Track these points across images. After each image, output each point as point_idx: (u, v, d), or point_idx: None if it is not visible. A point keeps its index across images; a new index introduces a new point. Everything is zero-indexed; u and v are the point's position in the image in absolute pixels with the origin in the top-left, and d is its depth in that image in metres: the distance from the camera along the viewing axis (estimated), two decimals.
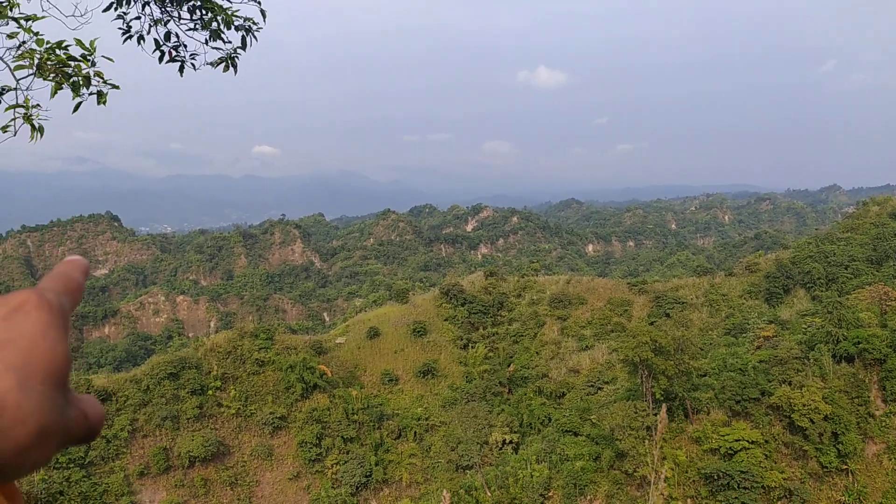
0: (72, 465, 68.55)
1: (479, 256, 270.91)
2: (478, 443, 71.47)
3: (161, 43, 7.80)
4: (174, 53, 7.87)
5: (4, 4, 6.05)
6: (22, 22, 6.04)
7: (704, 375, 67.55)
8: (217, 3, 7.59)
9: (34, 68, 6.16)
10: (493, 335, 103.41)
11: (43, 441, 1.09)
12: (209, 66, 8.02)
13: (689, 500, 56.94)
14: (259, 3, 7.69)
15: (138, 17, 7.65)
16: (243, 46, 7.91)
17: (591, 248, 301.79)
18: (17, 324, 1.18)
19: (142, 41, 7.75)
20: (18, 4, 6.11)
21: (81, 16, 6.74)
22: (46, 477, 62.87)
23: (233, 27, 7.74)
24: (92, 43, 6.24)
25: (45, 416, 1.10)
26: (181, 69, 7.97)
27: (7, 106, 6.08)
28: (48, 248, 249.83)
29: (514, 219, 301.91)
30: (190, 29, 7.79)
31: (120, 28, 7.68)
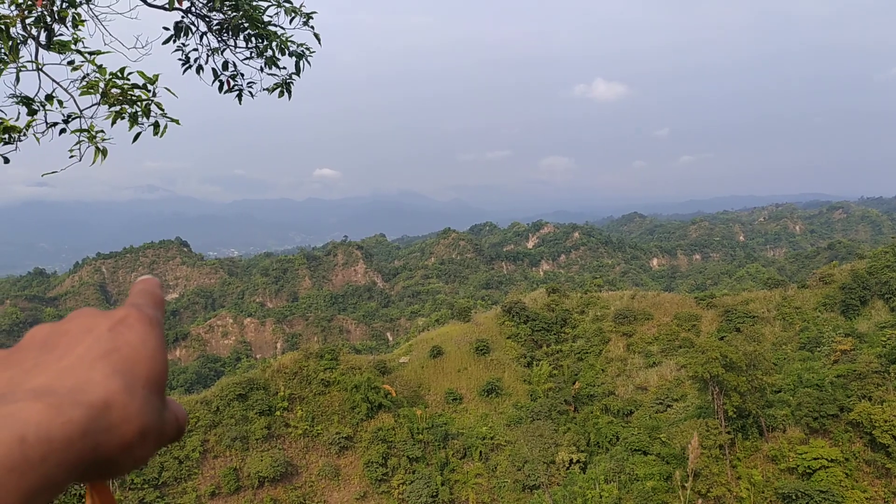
0: (146, 486, 70.29)
1: (541, 273, 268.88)
2: (544, 462, 70.50)
3: (219, 73, 7.94)
4: (232, 83, 8.01)
5: (68, 39, 6.23)
6: (86, 55, 6.21)
7: (779, 391, 65.31)
8: (272, 31, 7.69)
9: (98, 95, 6.33)
10: (557, 352, 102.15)
11: (144, 440, 1.18)
12: (265, 93, 8.13)
13: None
14: (312, 27, 7.77)
15: (196, 49, 7.81)
16: (297, 72, 8.00)
17: (655, 262, 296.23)
18: (121, 334, 1.29)
19: (201, 71, 7.91)
20: (83, 39, 6.28)
21: (143, 47, 6.91)
22: (122, 498, 64.61)
23: (287, 53, 7.84)
24: (155, 76, 6.39)
25: (147, 418, 1.19)
26: (239, 97, 8.11)
27: (72, 130, 6.26)
28: (122, 275, 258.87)
29: (576, 234, 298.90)
30: (246, 58, 7.92)
31: (179, 59, 7.86)
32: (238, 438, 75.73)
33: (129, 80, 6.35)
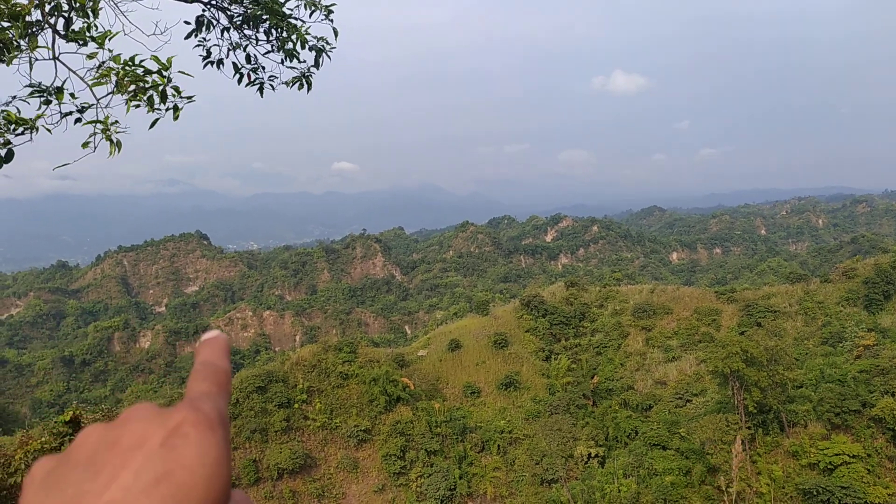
0: None
1: (560, 267, 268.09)
2: (562, 456, 70.34)
3: (240, 66, 7.93)
4: (253, 76, 8.00)
5: (84, 27, 6.22)
6: (99, 40, 6.19)
7: (800, 387, 64.66)
8: (292, 24, 7.67)
9: (112, 85, 6.31)
10: (576, 346, 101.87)
11: None
12: (285, 87, 8.12)
13: None
14: (332, 21, 7.74)
15: (217, 45, 7.81)
16: (317, 65, 7.97)
17: (675, 256, 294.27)
18: (175, 451, 1.14)
19: (221, 65, 7.90)
20: (97, 26, 6.26)
21: (161, 34, 6.88)
22: None
23: (307, 47, 7.82)
24: (169, 59, 6.36)
25: None
26: (261, 90, 8.10)
27: (86, 121, 6.24)
28: (143, 267, 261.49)
29: (595, 228, 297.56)
30: (267, 52, 7.92)
31: (200, 55, 7.85)
32: (257, 430, 76.27)
33: (142, 66, 6.32)
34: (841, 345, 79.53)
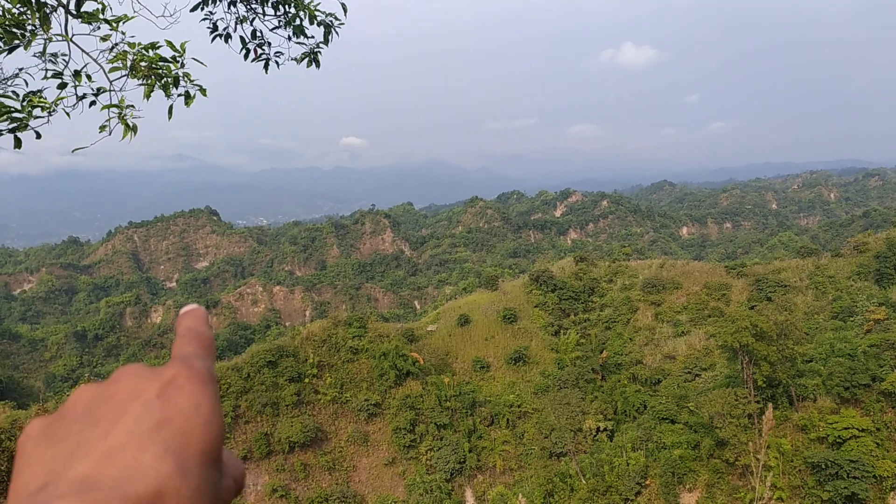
0: None
1: (569, 242, 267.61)
2: (571, 430, 70.74)
3: (247, 41, 7.89)
4: (259, 51, 7.96)
5: (97, 8, 6.20)
6: (112, 23, 6.19)
7: (810, 361, 64.60)
8: None
9: (127, 69, 6.32)
10: (585, 321, 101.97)
11: None
12: (293, 63, 8.07)
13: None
14: None
15: (223, 18, 7.77)
16: (325, 41, 7.92)
17: (685, 230, 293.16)
18: (171, 400, 1.18)
19: (229, 39, 7.87)
20: (110, 7, 6.25)
21: (171, 15, 6.87)
22: None
23: (315, 22, 7.75)
24: (182, 45, 6.36)
25: (203, 500, 1.11)
26: (266, 66, 8.06)
27: (103, 106, 6.25)
28: (153, 243, 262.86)
29: (604, 203, 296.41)
30: (275, 27, 7.86)
31: (208, 28, 7.82)
32: (268, 404, 76.99)
33: (157, 52, 6.33)
34: (851, 319, 79.29)
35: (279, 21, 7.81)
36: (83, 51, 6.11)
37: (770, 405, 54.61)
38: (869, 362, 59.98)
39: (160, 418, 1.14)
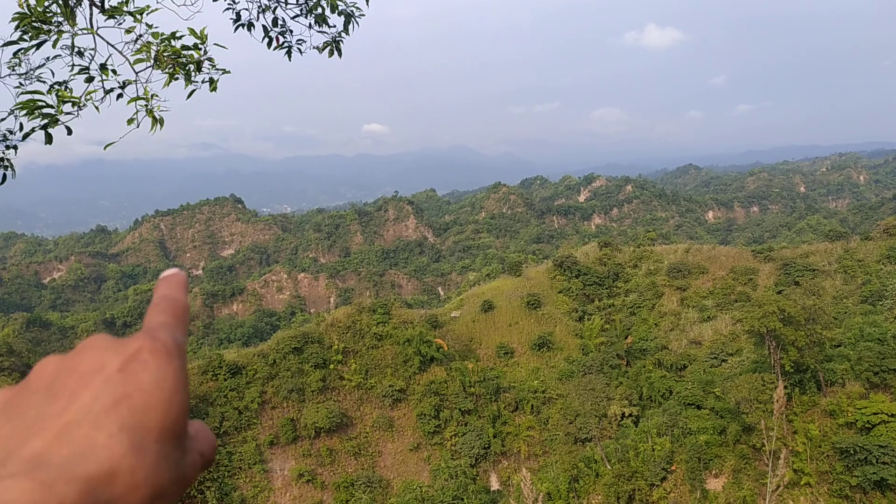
0: None
1: (593, 227, 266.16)
2: (596, 416, 70.65)
3: (269, 29, 7.90)
4: (281, 39, 7.96)
5: (121, 1, 6.23)
6: (137, 15, 6.21)
7: (839, 346, 63.82)
8: None
9: (151, 60, 6.35)
10: (609, 307, 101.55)
11: (159, 500, 1.07)
12: (315, 51, 8.06)
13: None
14: None
15: (247, 8, 7.78)
16: (346, 31, 7.90)
17: (711, 215, 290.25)
18: (133, 375, 1.15)
19: (251, 28, 7.88)
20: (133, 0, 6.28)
21: (192, 4, 6.88)
22: None
23: (336, 11, 7.74)
24: (202, 31, 6.37)
25: (160, 478, 1.07)
26: (289, 54, 8.06)
27: (129, 98, 6.29)
28: (179, 231, 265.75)
29: (629, 187, 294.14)
30: (296, 15, 7.86)
31: (230, 18, 7.83)
32: (294, 390, 77.71)
33: (180, 40, 6.35)
34: (881, 303, 78.19)
35: (301, 9, 7.81)
36: (109, 43, 6.15)
37: (781, 384, 54.24)
38: None
39: (119, 394, 1.12)
